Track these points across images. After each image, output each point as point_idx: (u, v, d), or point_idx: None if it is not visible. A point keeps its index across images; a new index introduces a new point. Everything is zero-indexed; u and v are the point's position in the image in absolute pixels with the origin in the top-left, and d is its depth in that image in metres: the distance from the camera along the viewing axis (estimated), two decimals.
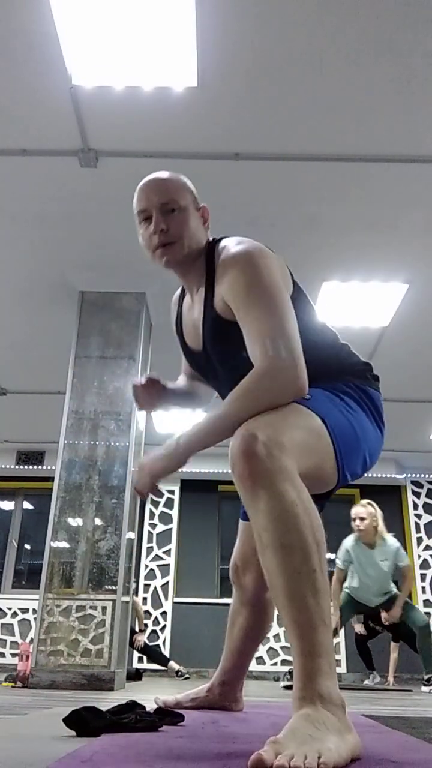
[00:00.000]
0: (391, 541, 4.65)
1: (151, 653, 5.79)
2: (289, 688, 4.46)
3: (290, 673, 4.61)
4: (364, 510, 4.58)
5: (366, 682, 5.03)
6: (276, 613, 1.06)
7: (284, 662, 6.55)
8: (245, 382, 1.17)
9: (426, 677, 4.63)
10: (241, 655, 1.90)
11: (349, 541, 4.70)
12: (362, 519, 4.54)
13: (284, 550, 1.02)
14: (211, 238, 1.48)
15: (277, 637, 6.71)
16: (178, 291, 1.64)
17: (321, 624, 1.00)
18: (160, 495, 1.65)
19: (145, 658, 5.91)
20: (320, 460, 1.19)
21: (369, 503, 4.66)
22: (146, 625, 6.27)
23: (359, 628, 4.95)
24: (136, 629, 5.74)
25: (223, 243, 1.42)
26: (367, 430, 1.34)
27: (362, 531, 4.56)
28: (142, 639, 5.73)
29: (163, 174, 1.46)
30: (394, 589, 4.69)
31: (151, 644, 6.76)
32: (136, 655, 6.66)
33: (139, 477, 1.30)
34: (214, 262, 1.38)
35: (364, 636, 4.98)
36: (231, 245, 1.36)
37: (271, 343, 1.18)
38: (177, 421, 5.80)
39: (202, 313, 1.42)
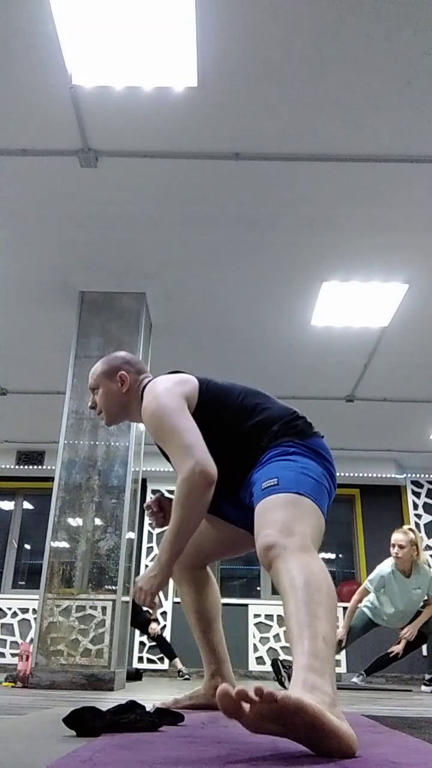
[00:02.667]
0: (427, 570, 4.56)
1: (163, 644, 5.78)
2: (277, 666, 4.44)
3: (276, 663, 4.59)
4: (404, 537, 4.47)
5: (353, 679, 5.01)
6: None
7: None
8: (176, 494, 1.53)
9: (428, 677, 4.63)
10: (207, 638, 1.96)
11: (386, 568, 4.59)
12: (401, 547, 4.45)
13: (308, 591, 1.20)
14: (145, 383, 1.83)
15: (277, 637, 6.71)
16: None
17: (331, 647, 1.13)
18: (161, 605, 1.92)
19: (145, 658, 5.91)
20: (316, 518, 1.47)
21: (411, 530, 4.57)
22: (158, 616, 6.30)
23: (399, 648, 4.81)
24: (152, 616, 5.77)
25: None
26: (322, 474, 1.59)
27: (399, 558, 4.46)
28: (157, 627, 5.73)
29: (95, 365, 1.94)
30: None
31: (151, 644, 6.78)
32: (136, 655, 6.67)
33: (141, 595, 1.60)
34: None
35: (397, 656, 4.86)
36: (144, 398, 1.75)
37: (179, 458, 1.54)
38: None
39: None
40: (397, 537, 4.51)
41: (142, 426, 4.00)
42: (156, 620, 5.82)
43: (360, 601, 4.66)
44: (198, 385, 1.74)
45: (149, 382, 1.81)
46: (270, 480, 1.50)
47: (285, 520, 1.38)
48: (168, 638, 6.71)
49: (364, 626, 4.69)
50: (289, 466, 1.54)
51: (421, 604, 4.59)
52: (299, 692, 0.97)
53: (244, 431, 1.66)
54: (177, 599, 6.90)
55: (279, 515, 1.40)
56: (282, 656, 6.55)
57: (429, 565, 4.63)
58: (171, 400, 1.66)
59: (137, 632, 6.44)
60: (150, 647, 6.75)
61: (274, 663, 4.31)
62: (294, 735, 0.94)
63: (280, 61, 2.63)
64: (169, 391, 1.69)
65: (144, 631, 5.67)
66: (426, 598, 4.54)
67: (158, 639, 5.74)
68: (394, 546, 4.49)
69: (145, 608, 1.69)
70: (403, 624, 4.65)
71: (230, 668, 1.99)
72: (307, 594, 1.19)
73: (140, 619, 5.68)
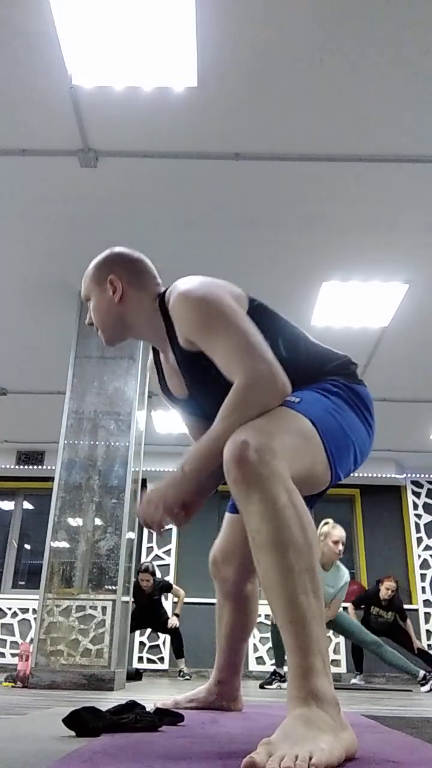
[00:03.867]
0: (344, 573, 4.52)
1: (177, 639, 5.80)
2: (263, 686, 4.48)
3: (274, 674, 4.62)
4: (343, 534, 4.46)
5: (353, 680, 5.03)
6: (269, 611, 1.07)
7: (275, 672, 6.53)
8: (230, 399, 1.20)
9: (419, 678, 4.63)
10: (231, 651, 1.92)
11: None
12: (343, 543, 4.44)
13: (276, 549, 1.04)
14: (162, 289, 1.50)
15: None
16: (151, 355, 1.63)
17: (314, 621, 1.01)
18: (170, 529, 1.63)
19: (145, 658, 5.92)
20: (312, 461, 1.21)
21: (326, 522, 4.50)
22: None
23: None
24: (176, 612, 5.85)
25: (168, 291, 1.44)
26: (357, 427, 1.36)
27: (336, 555, 4.41)
28: (175, 621, 5.76)
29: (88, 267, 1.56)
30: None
31: (151, 644, 6.78)
32: (136, 655, 6.67)
33: (149, 509, 1.25)
34: (168, 311, 1.41)
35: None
36: (175, 291, 1.38)
37: (242, 357, 1.21)
38: (176, 422, 5.81)
39: (175, 358, 1.45)
40: (341, 534, 4.45)
41: (142, 426, 4.00)
42: (177, 615, 5.83)
43: None
44: (247, 296, 1.46)
45: (166, 289, 1.46)
46: (293, 397, 1.24)
47: (280, 439, 1.12)
48: (167, 639, 6.71)
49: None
50: (322, 401, 1.30)
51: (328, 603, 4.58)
52: (303, 725, 0.92)
53: (297, 361, 1.36)
54: (186, 599, 6.91)
55: (274, 426, 1.15)
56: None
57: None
58: (224, 294, 1.33)
59: (137, 633, 6.45)
60: (150, 647, 6.75)
61: (262, 687, 4.34)
62: None
63: (280, 61, 2.63)
64: (217, 285, 1.38)
65: (163, 629, 5.71)
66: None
67: (174, 632, 5.74)
68: (337, 543, 4.42)
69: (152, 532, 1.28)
70: None
71: (240, 680, 1.96)
72: (288, 555, 1.03)
73: (162, 621, 5.70)
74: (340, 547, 4.45)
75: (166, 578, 7.02)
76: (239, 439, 1.10)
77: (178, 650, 5.78)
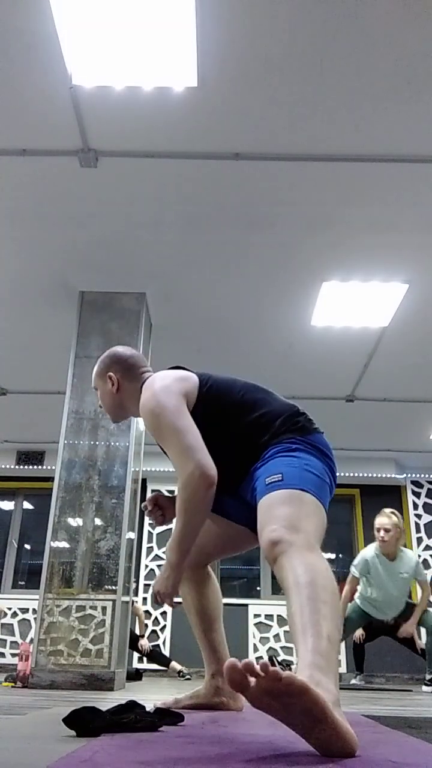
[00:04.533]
0: (411, 554, 4.59)
1: (156, 656, 5.80)
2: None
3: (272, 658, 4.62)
4: (389, 521, 4.48)
5: (353, 681, 5.03)
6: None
7: (285, 662, 6.55)
8: (178, 497, 1.57)
9: (429, 677, 4.63)
10: (209, 637, 1.95)
11: (369, 552, 4.62)
12: (387, 530, 4.46)
13: (312, 588, 1.21)
14: (145, 378, 1.84)
15: (277, 637, 6.71)
16: None
17: (335, 648, 1.13)
18: (179, 604, 1.91)
19: (145, 658, 5.92)
20: (321, 517, 1.48)
21: (393, 513, 4.57)
22: (146, 626, 6.27)
23: (358, 634, 4.91)
24: (138, 633, 5.74)
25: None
26: (324, 470, 1.60)
27: (385, 542, 4.47)
28: (147, 644, 5.73)
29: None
30: (408, 602, 4.68)
31: (151, 644, 6.78)
32: (136, 655, 6.67)
33: (159, 598, 1.67)
34: None
35: (362, 639, 4.94)
36: (142, 394, 1.74)
37: (178, 461, 1.57)
38: None
39: None
40: (382, 521, 4.52)
41: (142, 426, 4.00)
42: (142, 636, 5.81)
43: (351, 591, 4.68)
44: (198, 382, 1.73)
45: (149, 377, 1.81)
46: (274, 476, 1.50)
47: (291, 517, 1.39)
48: (167, 639, 6.72)
49: (358, 618, 4.72)
50: (293, 463, 1.54)
51: (408, 589, 4.61)
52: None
53: (246, 427, 1.65)
54: (177, 599, 6.91)
55: (285, 511, 1.41)
56: (281, 656, 6.56)
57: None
58: (169, 399, 1.65)
59: (137, 629, 6.44)
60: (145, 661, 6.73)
61: (270, 660, 4.32)
62: (291, 718, 0.94)
63: (280, 61, 2.63)
64: (167, 389, 1.68)
65: (134, 648, 5.66)
66: (420, 584, 4.57)
67: (150, 654, 5.73)
68: (379, 530, 4.51)
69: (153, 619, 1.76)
70: (395, 614, 4.67)
71: None
72: (313, 592, 1.19)
73: (130, 637, 5.66)
74: (381, 533, 4.47)
75: None
76: (271, 541, 1.35)
77: (161, 662, 5.77)
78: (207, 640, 1.96)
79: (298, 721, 0.93)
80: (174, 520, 1.62)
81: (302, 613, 1.16)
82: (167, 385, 1.69)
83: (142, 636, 5.81)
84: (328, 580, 1.24)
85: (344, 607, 4.61)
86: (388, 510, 4.63)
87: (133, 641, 5.57)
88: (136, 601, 6.02)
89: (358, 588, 4.69)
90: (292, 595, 1.22)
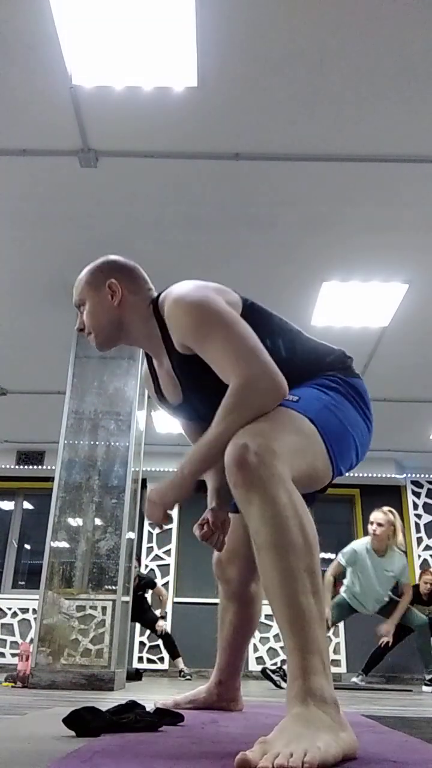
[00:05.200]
0: (402, 557, 4.63)
1: (169, 641, 5.82)
2: (267, 675, 4.45)
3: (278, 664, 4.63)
4: (384, 517, 4.56)
5: (353, 679, 5.03)
6: (269, 611, 1.09)
7: (284, 662, 6.54)
8: (226, 401, 1.21)
9: (428, 678, 4.63)
10: (233, 652, 1.92)
11: (360, 543, 4.68)
12: (380, 525, 4.52)
13: (276, 551, 1.05)
14: (155, 295, 1.51)
15: (277, 637, 6.70)
16: (146, 363, 1.63)
17: (314, 622, 1.02)
18: (171, 521, 1.74)
19: (145, 658, 5.92)
20: (312, 460, 1.24)
21: (390, 511, 4.63)
22: (166, 613, 6.30)
23: (385, 641, 4.84)
24: (158, 614, 5.82)
25: (162, 296, 1.45)
26: (356, 422, 1.38)
27: (377, 536, 4.53)
28: (164, 625, 5.79)
29: (80, 274, 1.56)
30: (390, 597, 4.71)
31: (151, 644, 6.77)
32: (136, 655, 6.67)
33: (151, 508, 1.35)
34: (163, 316, 1.42)
35: (388, 644, 4.89)
36: (170, 296, 1.39)
37: (237, 360, 1.23)
38: (176, 422, 5.80)
39: (170, 363, 1.45)
40: (376, 515, 4.59)
41: (142, 426, 4.00)
42: (164, 617, 5.86)
43: (333, 577, 4.71)
44: (241, 299, 1.45)
45: (158, 294, 1.48)
46: (291, 396, 1.26)
47: (280, 440, 1.14)
48: None
49: (341, 611, 4.73)
50: (320, 398, 1.32)
51: (391, 588, 4.64)
52: (300, 724, 0.91)
53: (293, 359, 1.38)
54: (177, 599, 6.91)
55: (273, 427, 1.17)
56: (282, 656, 6.56)
57: (404, 552, 4.70)
58: (216, 297, 1.34)
59: (138, 629, 6.45)
60: (150, 647, 6.74)
61: (263, 673, 4.35)
62: None
63: (280, 61, 2.63)
64: (212, 290, 1.37)
65: (151, 629, 5.72)
66: (401, 586, 4.61)
67: (165, 637, 5.75)
68: (372, 524, 4.58)
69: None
70: (376, 609, 4.70)
71: (240, 680, 1.96)
72: (288, 556, 1.04)
73: (148, 617, 5.70)
74: (374, 527, 4.54)
75: (167, 578, 7.03)
76: (239, 443, 1.12)
77: (171, 651, 5.79)
78: (230, 651, 1.91)
79: None
80: (208, 434, 1.25)
81: (281, 590, 1.04)
82: (210, 286, 1.39)
83: (164, 617, 5.87)
84: (301, 531, 1.07)
85: (328, 591, 4.63)
86: (385, 508, 4.68)
87: (152, 621, 5.66)
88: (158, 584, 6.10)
89: (344, 581, 4.71)
90: (261, 553, 1.08)
